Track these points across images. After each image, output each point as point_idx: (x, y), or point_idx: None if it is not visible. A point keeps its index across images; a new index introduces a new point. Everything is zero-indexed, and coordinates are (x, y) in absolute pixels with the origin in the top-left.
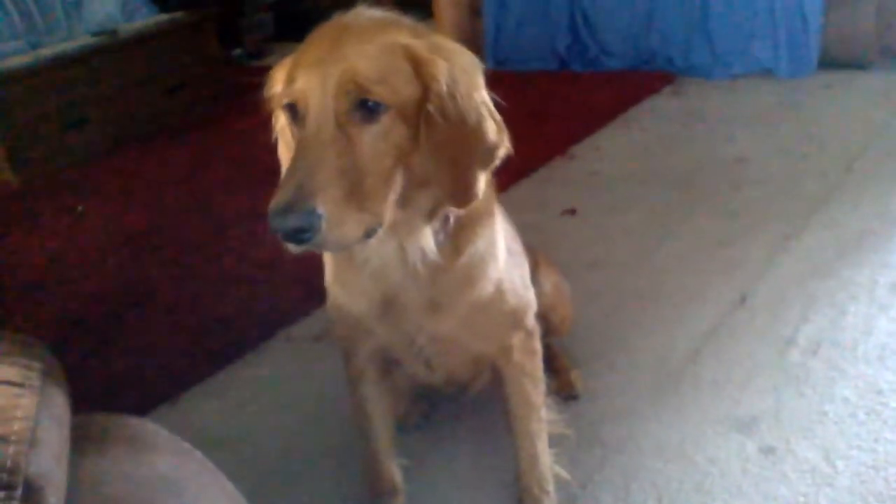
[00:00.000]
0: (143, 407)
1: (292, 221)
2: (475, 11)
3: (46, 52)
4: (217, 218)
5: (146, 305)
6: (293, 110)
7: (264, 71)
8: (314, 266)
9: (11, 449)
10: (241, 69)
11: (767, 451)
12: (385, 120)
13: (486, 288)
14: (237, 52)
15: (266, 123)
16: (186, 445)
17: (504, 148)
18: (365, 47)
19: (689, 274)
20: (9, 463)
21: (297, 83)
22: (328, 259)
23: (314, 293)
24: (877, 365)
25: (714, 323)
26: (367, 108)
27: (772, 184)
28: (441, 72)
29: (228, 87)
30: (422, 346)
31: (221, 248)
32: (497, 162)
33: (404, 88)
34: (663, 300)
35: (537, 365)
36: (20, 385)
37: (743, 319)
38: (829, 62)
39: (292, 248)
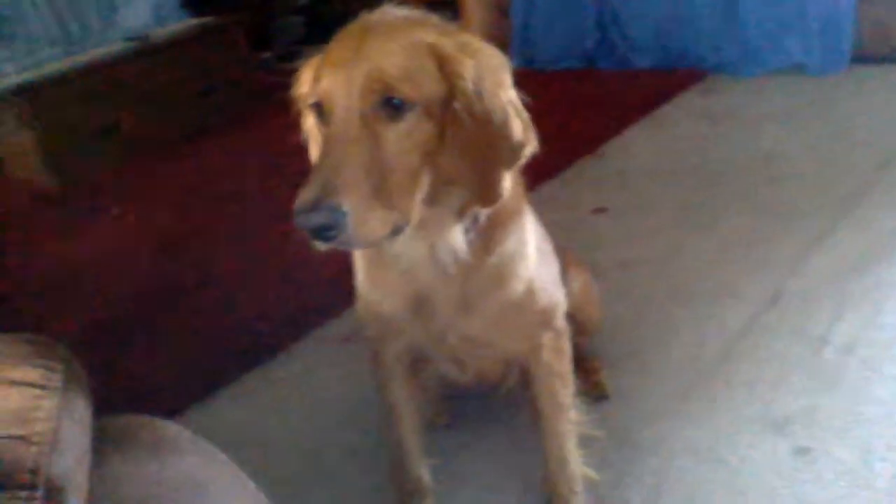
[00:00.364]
0: (174, 408)
1: (317, 219)
2: (503, 10)
3: (81, 58)
4: (248, 219)
5: (178, 307)
6: (320, 109)
7: (295, 74)
8: (344, 266)
9: (33, 450)
10: (271, 72)
11: (802, 452)
12: (410, 118)
13: (517, 287)
14: (268, 55)
15: (297, 124)
16: (209, 446)
17: (530, 147)
18: (390, 45)
19: (721, 272)
20: (30, 464)
21: (323, 82)
22: (359, 259)
23: (344, 293)
24: None
25: (746, 321)
26: (392, 106)
27: (804, 181)
28: (467, 69)
29: (259, 91)
30: (452, 345)
31: (252, 249)
32: (523, 161)
33: (430, 86)
34: (695, 298)
35: (566, 365)
36: (42, 387)
37: (776, 318)
38: (862, 57)
39: (319, 245)
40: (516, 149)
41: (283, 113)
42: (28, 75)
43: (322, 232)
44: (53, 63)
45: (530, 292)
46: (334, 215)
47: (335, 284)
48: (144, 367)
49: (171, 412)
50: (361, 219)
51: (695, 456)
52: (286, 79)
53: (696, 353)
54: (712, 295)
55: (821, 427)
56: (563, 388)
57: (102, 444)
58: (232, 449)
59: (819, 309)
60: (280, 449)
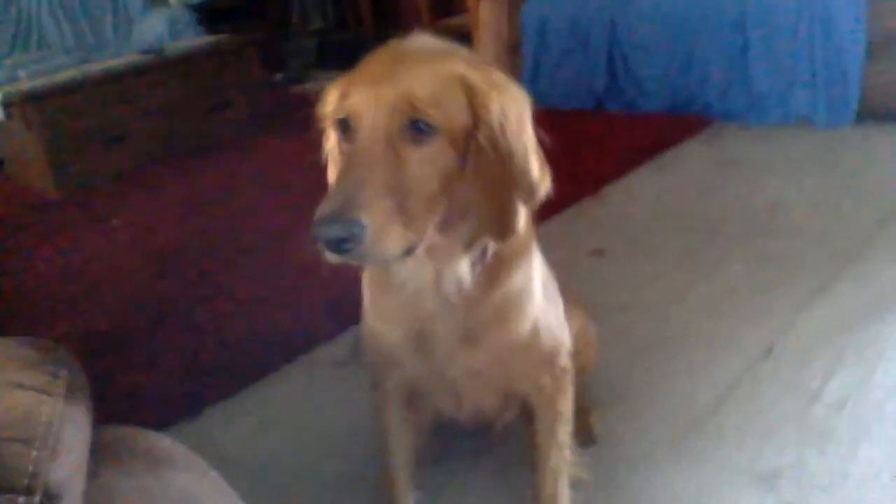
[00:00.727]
0: (163, 422)
1: (337, 231)
2: (514, 48)
3: (94, 67)
4: (246, 239)
5: (171, 322)
6: (345, 125)
7: (304, 96)
8: (339, 291)
9: (34, 454)
10: (282, 93)
11: None
12: (435, 143)
13: (523, 326)
14: (279, 76)
15: (316, 143)
16: (202, 462)
17: (545, 186)
18: (422, 71)
19: (717, 320)
20: (30, 468)
21: (353, 98)
22: (366, 286)
23: (338, 318)
24: None
25: (739, 372)
26: (418, 130)
27: (804, 235)
28: (494, 104)
29: (268, 111)
30: (452, 378)
31: (249, 269)
32: (538, 200)
33: (457, 115)
34: (689, 346)
35: (568, 404)
36: (45, 392)
37: (768, 370)
38: (868, 114)
39: (333, 257)
40: (533, 187)
41: (292, 133)
42: (40, 81)
43: (339, 244)
44: (66, 71)
45: (535, 331)
46: (353, 228)
47: (330, 308)
48: (135, 380)
49: (160, 426)
50: (379, 234)
51: None
52: (296, 100)
53: (688, 402)
54: (707, 343)
55: (808, 484)
56: (562, 427)
57: (97, 453)
58: (219, 465)
59: (813, 364)
60: (267, 469)
